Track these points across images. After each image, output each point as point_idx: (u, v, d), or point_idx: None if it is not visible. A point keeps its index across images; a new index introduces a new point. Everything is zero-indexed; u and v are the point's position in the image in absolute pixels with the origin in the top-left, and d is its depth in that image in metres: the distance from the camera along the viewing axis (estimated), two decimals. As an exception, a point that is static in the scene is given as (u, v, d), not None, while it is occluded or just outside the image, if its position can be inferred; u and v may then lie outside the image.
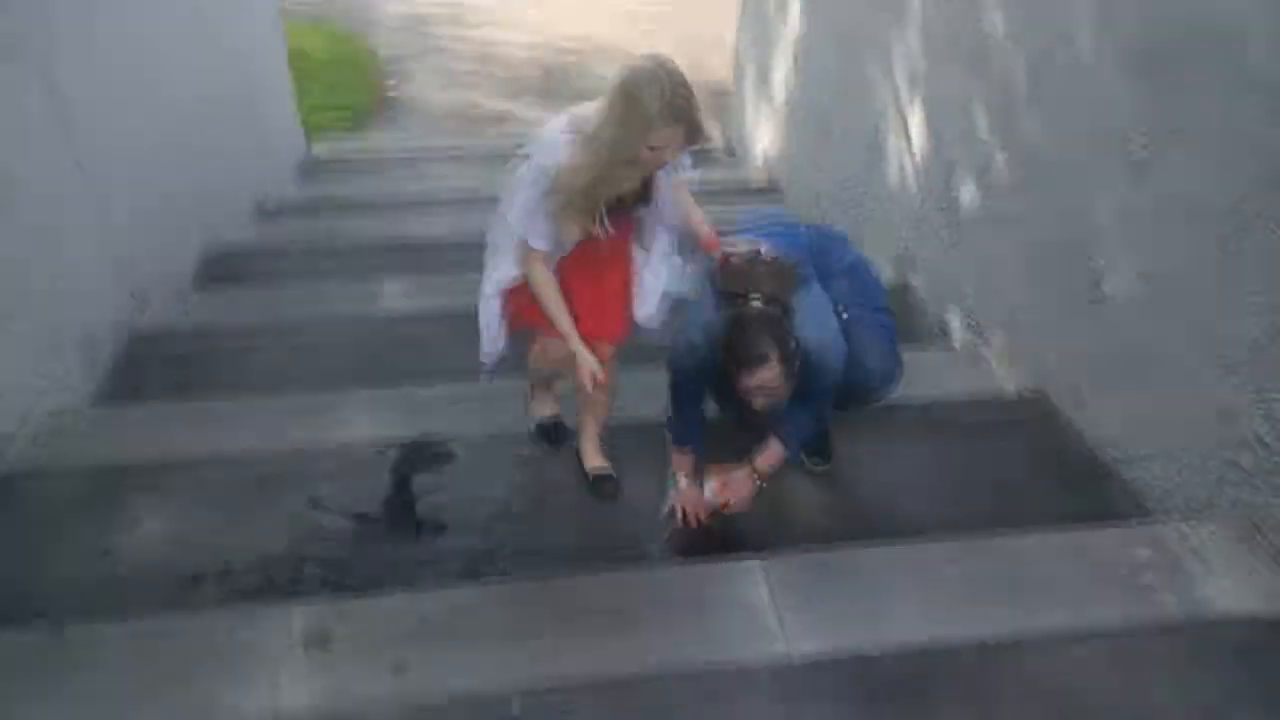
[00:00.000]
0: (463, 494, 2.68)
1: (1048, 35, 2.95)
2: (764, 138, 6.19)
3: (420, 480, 2.73)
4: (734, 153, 6.93)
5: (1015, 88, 3.14)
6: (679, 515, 2.59)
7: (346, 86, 8.19)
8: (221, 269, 4.45)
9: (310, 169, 6.65)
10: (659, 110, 2.06)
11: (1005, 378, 3.25)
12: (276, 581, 2.39)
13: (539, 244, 2.32)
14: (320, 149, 7.02)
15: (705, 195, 2.60)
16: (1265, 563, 2.27)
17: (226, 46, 5.14)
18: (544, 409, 2.91)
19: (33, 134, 3.00)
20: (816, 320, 2.34)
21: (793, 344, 2.21)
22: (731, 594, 2.21)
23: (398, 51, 9.29)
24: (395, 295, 3.98)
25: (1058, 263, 3.02)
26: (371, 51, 9.11)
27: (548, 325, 2.44)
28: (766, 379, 2.18)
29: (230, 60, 5.19)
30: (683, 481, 2.62)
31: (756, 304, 2.23)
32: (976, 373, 3.29)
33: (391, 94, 8.45)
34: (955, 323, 3.69)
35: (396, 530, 2.58)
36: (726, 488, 2.54)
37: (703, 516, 2.58)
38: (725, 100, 7.13)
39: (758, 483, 2.53)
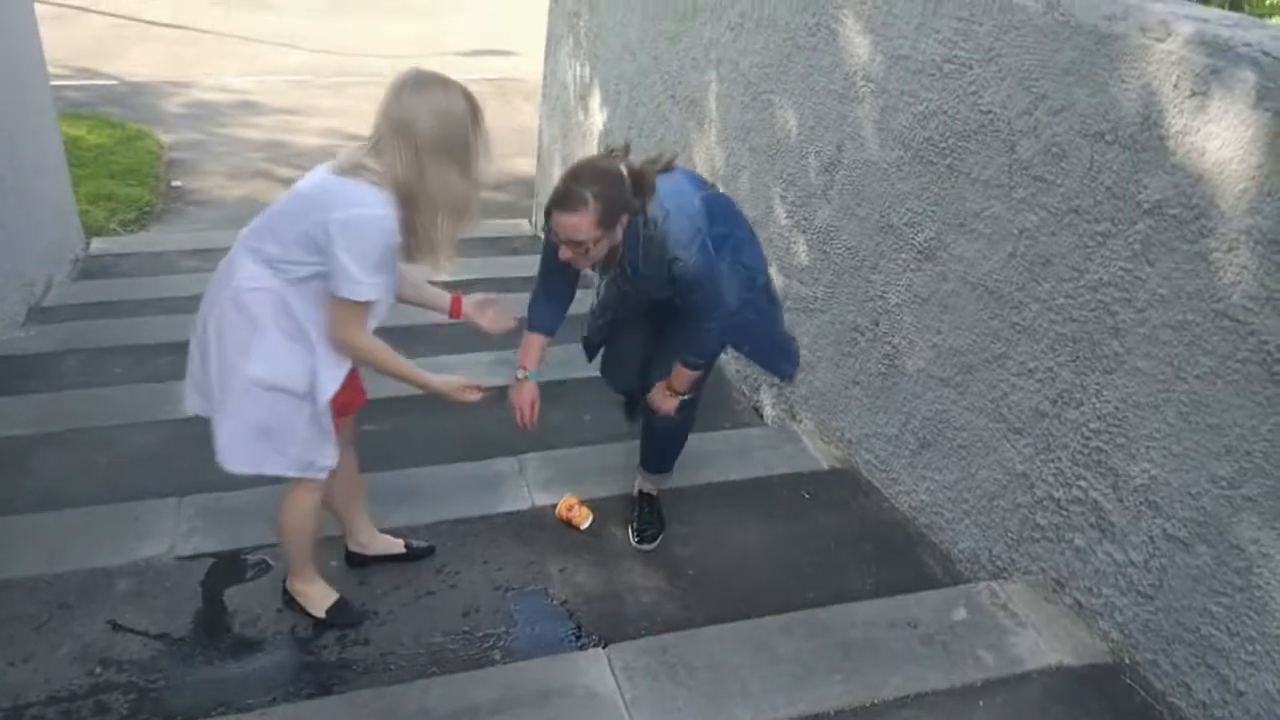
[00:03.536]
0: (279, 606, 2.52)
1: (836, 134, 3.20)
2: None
3: (233, 594, 2.54)
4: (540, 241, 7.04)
5: (809, 181, 3.39)
6: (516, 413, 2.62)
7: (128, 179, 7.73)
8: (-10, 375, 4.04)
9: (89, 266, 6.20)
10: (463, 93, 2.02)
11: (819, 454, 3.41)
12: (78, 713, 2.14)
13: (370, 294, 2.04)
14: (100, 245, 6.56)
15: (515, 281, 2.64)
16: (1069, 615, 2.47)
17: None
18: (327, 592, 2.53)
19: None
20: (671, 212, 2.34)
21: (615, 204, 2.25)
22: (578, 684, 2.17)
23: (184, 142, 8.89)
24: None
25: (858, 343, 3.23)
26: (154, 142, 8.67)
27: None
28: (574, 226, 2.23)
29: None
30: (520, 374, 2.64)
31: (616, 159, 2.31)
32: (792, 450, 3.44)
33: (177, 185, 8.05)
34: (767, 403, 3.86)
35: (210, 649, 2.38)
36: (651, 405, 2.71)
37: (528, 417, 2.62)
38: (533, 190, 7.27)
39: (675, 395, 2.66)
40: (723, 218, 2.53)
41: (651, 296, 2.54)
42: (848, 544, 2.97)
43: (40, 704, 2.17)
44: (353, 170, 2.00)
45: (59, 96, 6.83)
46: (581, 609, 2.59)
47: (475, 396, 2.33)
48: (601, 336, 2.82)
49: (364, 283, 2.01)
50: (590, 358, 2.91)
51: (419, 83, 1.99)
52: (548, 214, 2.30)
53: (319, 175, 2.07)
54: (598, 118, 5.52)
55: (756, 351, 2.92)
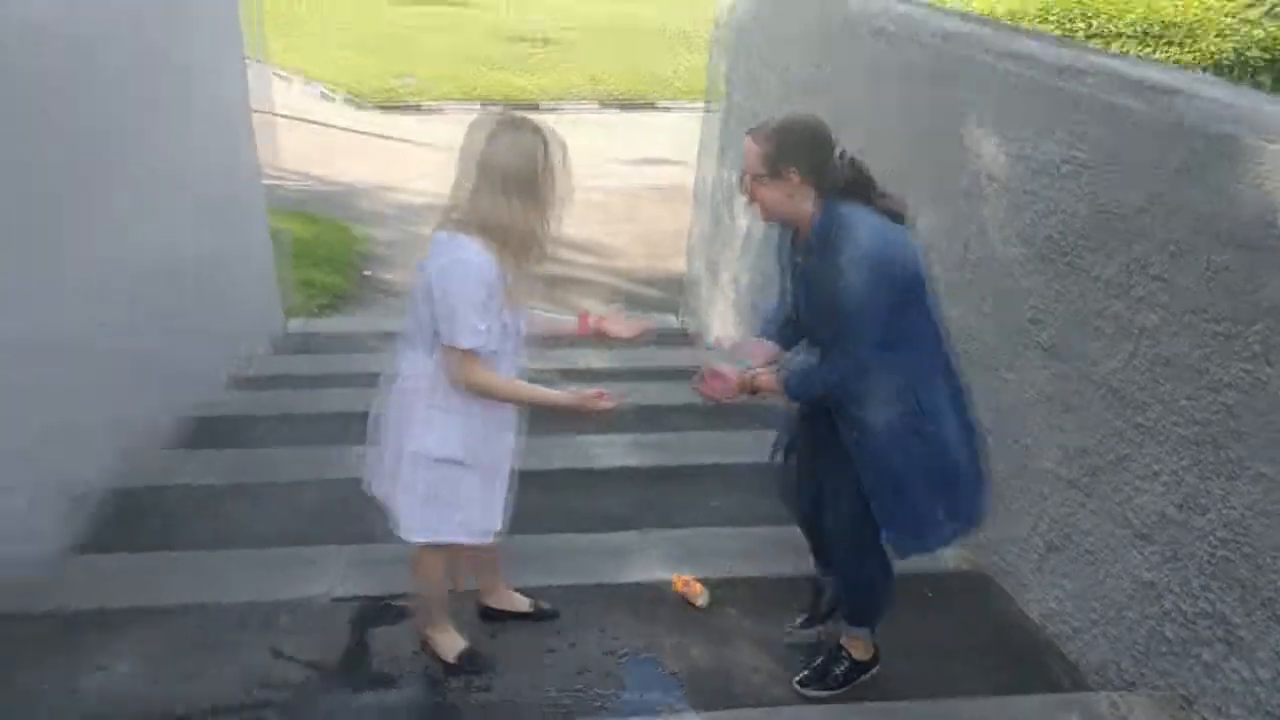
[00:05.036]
0: (415, 649, 2.73)
1: (967, 230, 3.28)
2: (717, 324, 6.54)
3: (378, 634, 2.78)
4: (689, 337, 7.29)
5: (943, 277, 3.47)
6: (701, 380, 2.52)
7: (325, 268, 8.56)
8: (199, 431, 4.58)
9: (286, 344, 6.88)
10: (532, 129, 2.18)
11: (946, 554, 3.39)
12: (234, 727, 2.42)
13: (476, 341, 2.20)
14: (296, 325, 7.28)
15: (652, 371, 2.81)
16: (1192, 732, 2.38)
17: (212, 230, 5.46)
18: (457, 640, 2.70)
19: (34, 303, 3.20)
20: (866, 222, 2.24)
21: (789, 151, 2.21)
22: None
23: (379, 238, 9.75)
24: (362, 458, 4.10)
25: (988, 442, 3.24)
26: (351, 235, 9.57)
27: None
28: (746, 150, 2.25)
29: (215, 244, 5.50)
30: (730, 363, 2.52)
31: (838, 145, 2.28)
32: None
33: (367, 274, 8.83)
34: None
35: (353, 681, 2.62)
36: (716, 377, 2.49)
37: (719, 396, 2.48)
38: (682, 286, 7.56)
39: (745, 391, 2.46)
40: (916, 288, 2.30)
41: (814, 315, 2.39)
42: (970, 647, 2.93)
43: (205, 713, 2.46)
44: (442, 224, 2.23)
45: (274, 195, 7.72)
46: (689, 680, 2.68)
47: (608, 404, 2.38)
48: (788, 438, 2.67)
49: (467, 328, 2.17)
50: (779, 456, 2.72)
51: (492, 122, 2.20)
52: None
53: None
54: (741, 219, 5.77)
55: (876, 484, 2.39)
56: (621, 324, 2.65)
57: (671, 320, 7.66)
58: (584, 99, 16.57)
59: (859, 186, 2.29)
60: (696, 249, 7.04)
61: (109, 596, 2.90)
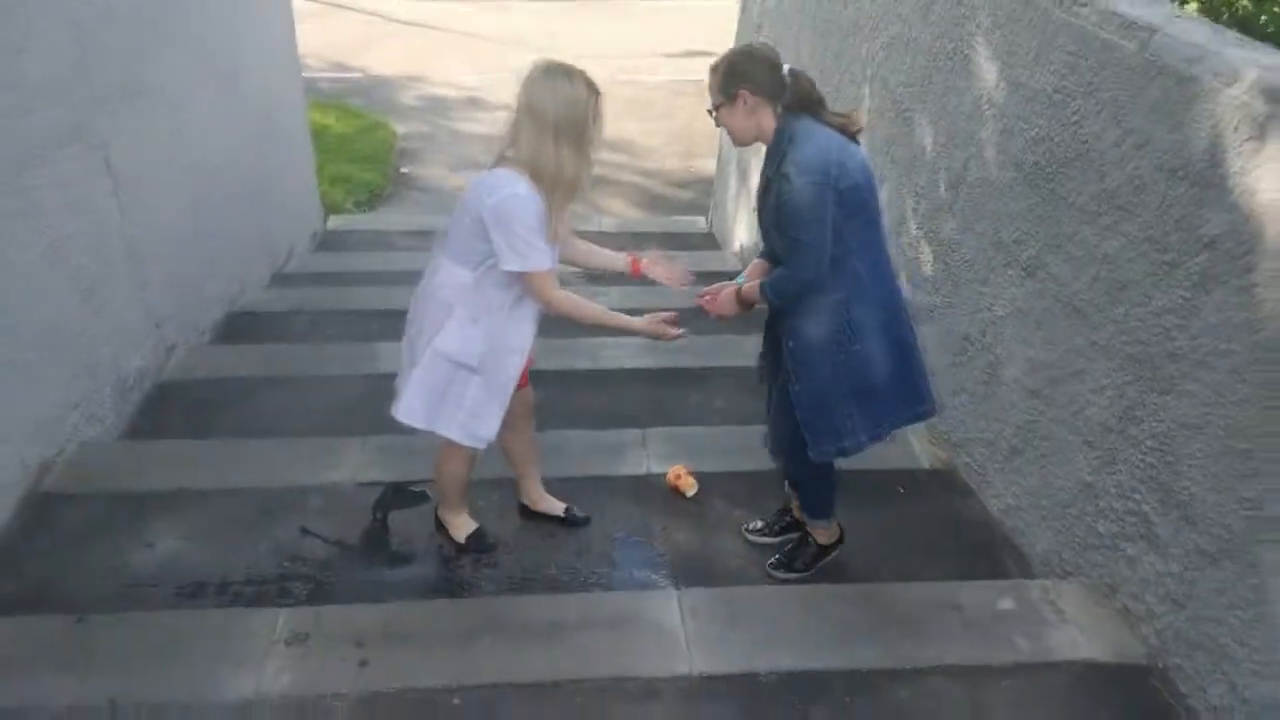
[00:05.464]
0: (430, 530, 3.06)
1: (964, 152, 3.42)
2: (742, 231, 6.69)
3: (396, 516, 3.11)
4: (715, 240, 7.44)
5: (939, 195, 3.61)
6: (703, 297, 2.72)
7: (363, 164, 8.76)
8: (239, 327, 4.91)
9: (325, 241, 7.16)
10: (585, 82, 2.36)
11: (921, 454, 3.64)
12: (266, 594, 2.77)
13: (546, 263, 2.43)
14: (335, 222, 7.54)
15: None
16: (1116, 619, 2.63)
17: (256, 126, 5.67)
18: (468, 523, 3.01)
19: (91, 204, 3.48)
20: (815, 138, 2.40)
21: (736, 74, 2.42)
22: (649, 616, 2.59)
23: (415, 133, 9.90)
24: (391, 355, 4.39)
25: (968, 351, 3.44)
26: (389, 132, 9.71)
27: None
28: (707, 85, 2.49)
29: (258, 137, 5.71)
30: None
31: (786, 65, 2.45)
32: (898, 449, 3.66)
33: (405, 171, 9.02)
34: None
35: (372, 558, 2.96)
36: (713, 297, 2.69)
37: (715, 311, 2.69)
38: (710, 189, 7.66)
39: (738, 305, 2.64)
40: (859, 202, 2.44)
41: (766, 223, 2.54)
42: (932, 538, 3.20)
43: (240, 583, 2.81)
44: (498, 160, 2.45)
45: (311, 88, 7.87)
46: (673, 561, 2.99)
47: (676, 333, 2.63)
48: (763, 371, 2.87)
49: (529, 252, 2.40)
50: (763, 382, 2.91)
51: (546, 72, 2.38)
52: None
53: (480, 173, 2.50)
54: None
55: (802, 397, 2.59)
56: (666, 271, 2.83)
57: (700, 223, 7.81)
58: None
59: (810, 101, 2.46)
60: (726, 155, 7.13)
61: (154, 480, 3.25)
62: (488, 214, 2.39)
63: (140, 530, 2.99)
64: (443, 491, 2.99)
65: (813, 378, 2.56)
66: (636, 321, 2.64)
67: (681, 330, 2.65)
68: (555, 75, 2.38)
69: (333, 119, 9.55)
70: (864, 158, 2.50)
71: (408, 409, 2.63)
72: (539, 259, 2.43)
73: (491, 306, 2.53)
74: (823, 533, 2.95)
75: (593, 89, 2.40)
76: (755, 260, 2.76)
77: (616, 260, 2.85)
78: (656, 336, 2.67)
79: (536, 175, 2.39)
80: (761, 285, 2.56)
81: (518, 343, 2.60)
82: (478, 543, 3.01)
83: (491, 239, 2.41)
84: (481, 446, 2.71)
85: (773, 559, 2.99)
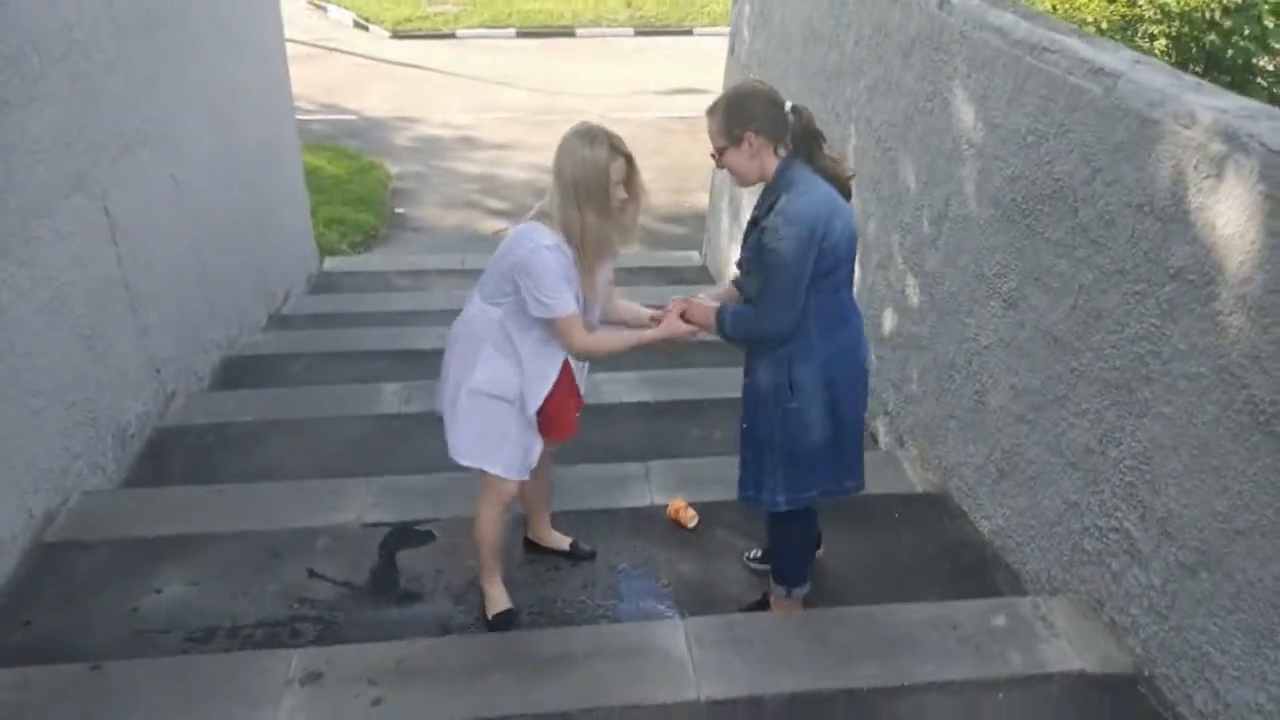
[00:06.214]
0: (438, 568, 3.14)
1: (945, 190, 3.55)
2: (734, 264, 6.81)
3: (403, 556, 3.19)
4: (709, 274, 7.56)
5: (923, 231, 3.74)
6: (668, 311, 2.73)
7: (358, 205, 8.89)
8: (238, 371, 4.99)
9: (320, 282, 7.26)
10: (608, 146, 2.46)
11: (915, 479, 3.74)
12: (278, 635, 2.84)
13: (570, 309, 2.53)
14: (331, 263, 7.65)
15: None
16: (1103, 631, 2.73)
17: (252, 169, 5.79)
18: (502, 598, 2.93)
19: (91, 252, 3.58)
20: (811, 192, 2.42)
21: (740, 113, 2.44)
22: (657, 646, 2.68)
23: (409, 173, 10.04)
24: (392, 396, 4.49)
25: (955, 379, 3.55)
26: (384, 173, 9.86)
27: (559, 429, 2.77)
28: (708, 129, 2.51)
29: (254, 180, 5.82)
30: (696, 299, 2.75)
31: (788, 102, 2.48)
32: (892, 474, 3.78)
33: (400, 212, 9.16)
34: (882, 430, 4.21)
35: (380, 597, 3.04)
36: (688, 303, 2.71)
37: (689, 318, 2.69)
38: (703, 224, 7.80)
39: (688, 329, 2.67)
40: (832, 263, 2.47)
41: (744, 263, 2.59)
42: (927, 560, 3.30)
43: (251, 626, 2.88)
44: (537, 215, 2.60)
45: (305, 130, 8.01)
46: (677, 590, 3.08)
47: (687, 329, 2.68)
48: None
49: (552, 302, 2.51)
50: None
51: (572, 134, 2.52)
52: None
53: (521, 224, 2.64)
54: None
55: (744, 435, 2.69)
56: (680, 328, 2.76)
57: (695, 258, 7.93)
58: (619, 24, 16.53)
59: (809, 138, 2.49)
60: (719, 188, 7.26)
61: (159, 526, 3.32)
62: (516, 264, 2.54)
63: (148, 577, 3.05)
64: (479, 545, 2.90)
65: (754, 423, 2.65)
66: (647, 335, 2.73)
67: (692, 326, 2.69)
68: (576, 139, 2.50)
69: (326, 161, 9.70)
70: (852, 221, 2.54)
71: (456, 450, 2.73)
72: (563, 306, 2.53)
73: (521, 340, 2.63)
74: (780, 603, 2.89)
75: (616, 151, 2.49)
76: (728, 284, 2.84)
77: (637, 312, 2.89)
78: (672, 339, 2.71)
79: (566, 232, 2.53)
80: (721, 309, 2.60)
81: (550, 372, 2.69)
82: (504, 625, 2.90)
83: (522, 288, 2.54)
84: (525, 477, 2.77)
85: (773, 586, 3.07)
